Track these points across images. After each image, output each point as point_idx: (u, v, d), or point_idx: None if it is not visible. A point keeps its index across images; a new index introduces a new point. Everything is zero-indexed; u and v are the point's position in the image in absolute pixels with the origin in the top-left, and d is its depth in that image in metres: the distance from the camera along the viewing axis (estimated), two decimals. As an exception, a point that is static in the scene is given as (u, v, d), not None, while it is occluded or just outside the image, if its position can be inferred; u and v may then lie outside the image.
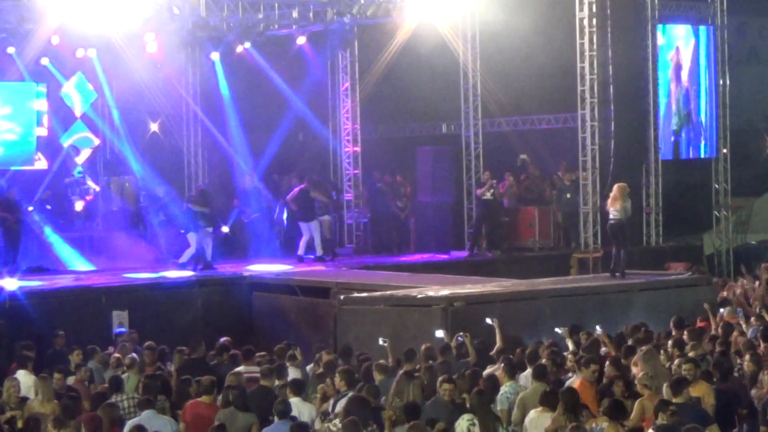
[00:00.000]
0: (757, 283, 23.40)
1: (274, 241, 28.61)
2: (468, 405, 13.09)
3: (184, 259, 25.63)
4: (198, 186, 28.12)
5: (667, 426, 11.81)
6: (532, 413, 13.08)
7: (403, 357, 15.94)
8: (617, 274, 22.47)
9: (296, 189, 27.37)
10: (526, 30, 27.55)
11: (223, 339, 18.38)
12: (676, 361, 14.72)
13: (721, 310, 20.16)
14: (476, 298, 20.21)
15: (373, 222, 30.27)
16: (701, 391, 13.52)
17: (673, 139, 29.83)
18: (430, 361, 16.00)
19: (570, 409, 12.54)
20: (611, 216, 22.23)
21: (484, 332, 17.84)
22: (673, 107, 29.83)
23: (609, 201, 22.32)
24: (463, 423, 12.62)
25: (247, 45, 28.16)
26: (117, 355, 17.52)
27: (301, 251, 27.02)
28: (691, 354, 15.32)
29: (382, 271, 25.12)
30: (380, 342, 17.15)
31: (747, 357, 15.22)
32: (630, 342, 16.61)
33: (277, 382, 14.90)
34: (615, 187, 22.44)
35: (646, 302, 21.31)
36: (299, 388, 14.18)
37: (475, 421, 12.58)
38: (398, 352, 16.60)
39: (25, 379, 15.52)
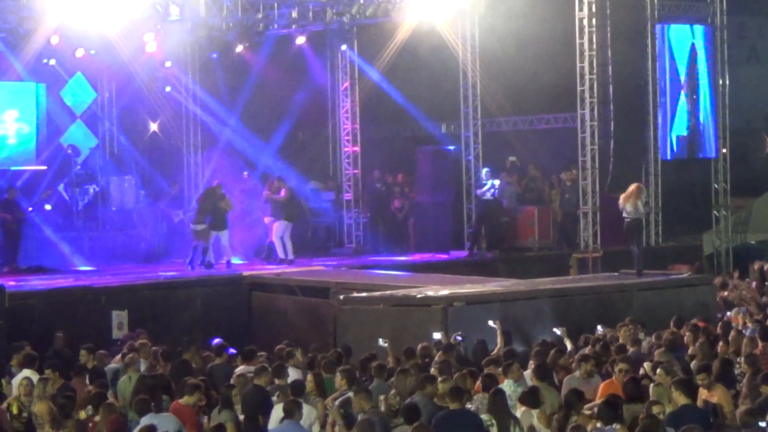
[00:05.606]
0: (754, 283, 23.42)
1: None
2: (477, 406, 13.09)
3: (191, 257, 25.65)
4: (211, 185, 27.44)
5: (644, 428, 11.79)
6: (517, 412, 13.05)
7: (403, 355, 15.95)
8: (639, 272, 22.57)
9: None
10: (525, 30, 27.54)
11: (216, 341, 18.38)
12: (649, 365, 14.67)
13: (729, 313, 20.19)
14: (476, 298, 20.20)
15: (373, 222, 30.26)
16: (718, 397, 13.36)
17: (685, 134, 29.74)
18: (427, 360, 16.02)
19: (569, 409, 12.54)
20: (624, 215, 22.22)
21: (483, 332, 17.88)
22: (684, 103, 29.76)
23: (621, 199, 22.23)
24: None
25: (247, 45, 28.15)
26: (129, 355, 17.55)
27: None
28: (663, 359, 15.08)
29: (382, 271, 25.13)
30: (380, 343, 17.16)
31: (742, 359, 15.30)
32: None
33: (276, 382, 14.89)
34: (632, 185, 22.41)
35: (645, 302, 21.32)
36: (299, 390, 14.08)
37: (493, 421, 12.58)
38: (398, 353, 16.62)
39: (31, 378, 15.49)
